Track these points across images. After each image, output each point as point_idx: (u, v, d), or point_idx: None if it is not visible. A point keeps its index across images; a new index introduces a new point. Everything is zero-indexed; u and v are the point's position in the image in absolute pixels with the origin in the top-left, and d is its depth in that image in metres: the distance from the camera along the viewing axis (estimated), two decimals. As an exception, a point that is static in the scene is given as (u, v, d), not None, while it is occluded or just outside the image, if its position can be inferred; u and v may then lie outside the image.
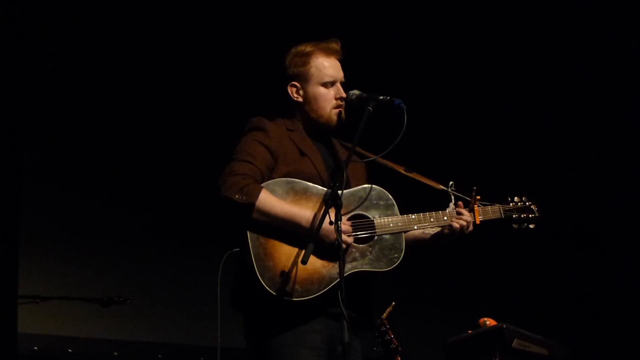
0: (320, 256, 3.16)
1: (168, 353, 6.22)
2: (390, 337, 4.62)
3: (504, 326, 4.47)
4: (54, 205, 6.05)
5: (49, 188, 6.04)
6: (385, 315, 4.63)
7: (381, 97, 3.32)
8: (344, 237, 3.14)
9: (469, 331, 4.63)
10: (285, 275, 3.11)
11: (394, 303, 4.63)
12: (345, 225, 3.19)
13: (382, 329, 4.62)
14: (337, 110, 3.42)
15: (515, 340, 4.46)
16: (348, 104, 3.44)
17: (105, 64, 6.14)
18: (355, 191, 3.33)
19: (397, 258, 3.26)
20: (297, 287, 3.11)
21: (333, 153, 3.46)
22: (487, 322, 4.60)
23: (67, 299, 5.44)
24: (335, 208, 3.08)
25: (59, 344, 5.86)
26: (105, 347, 6.02)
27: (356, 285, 3.22)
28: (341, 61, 3.50)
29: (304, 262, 2.99)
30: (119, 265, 6.13)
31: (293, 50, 3.50)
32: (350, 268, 3.20)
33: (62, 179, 6.12)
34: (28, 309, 5.21)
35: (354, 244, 3.24)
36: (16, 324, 5.02)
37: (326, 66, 3.45)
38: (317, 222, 3.10)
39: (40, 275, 5.84)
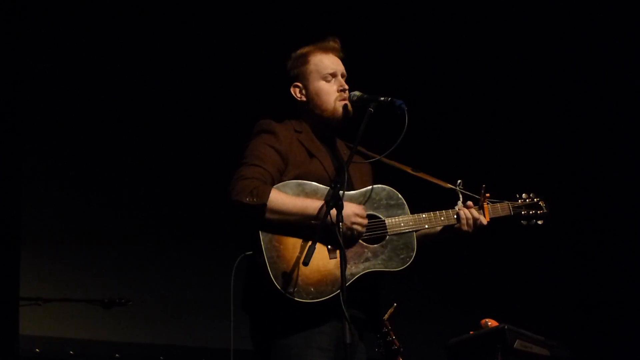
0: (332, 257, 3.16)
1: (169, 355, 6.23)
2: (392, 338, 4.62)
3: (506, 327, 4.46)
4: (55, 207, 6.05)
5: (50, 189, 6.04)
6: (386, 316, 4.62)
7: (382, 98, 3.33)
8: (361, 220, 3.16)
9: (471, 332, 4.62)
10: (299, 277, 3.10)
11: (395, 304, 4.62)
12: (354, 206, 3.19)
13: (383, 330, 4.61)
14: (342, 103, 3.42)
15: (517, 341, 4.45)
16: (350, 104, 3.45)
17: (109, 64, 6.14)
18: (365, 192, 3.33)
19: (409, 257, 3.27)
20: (310, 288, 3.11)
21: (339, 154, 3.46)
22: (489, 323, 4.60)
23: (68, 300, 5.45)
24: (336, 209, 3.08)
25: (60, 346, 5.86)
26: (106, 348, 6.02)
27: (367, 286, 3.24)
28: (343, 60, 3.52)
29: (305, 263, 2.98)
30: (120, 267, 6.13)
31: (292, 54, 3.53)
32: (363, 268, 3.21)
33: (64, 180, 6.13)
34: (30, 311, 5.22)
35: (366, 244, 3.24)
36: (18, 326, 5.03)
37: (324, 61, 3.47)
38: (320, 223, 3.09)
39: (42, 277, 5.84)
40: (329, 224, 3.07)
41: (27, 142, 5.47)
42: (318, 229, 3.07)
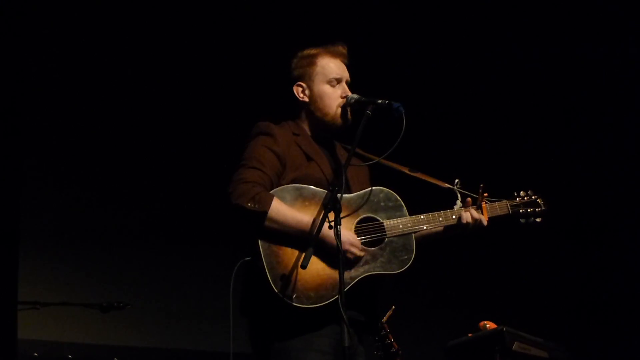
0: (331, 261, 3.15)
1: (167, 358, 6.22)
2: (391, 340, 4.62)
3: (504, 329, 4.46)
4: (54, 211, 6.04)
5: (48, 193, 6.04)
6: (385, 319, 4.63)
7: (380, 101, 3.34)
8: (354, 249, 3.16)
9: (469, 334, 4.62)
10: (299, 282, 3.10)
11: (393, 307, 4.63)
12: (350, 234, 3.19)
13: (382, 333, 4.62)
14: (342, 109, 3.43)
15: (515, 343, 4.46)
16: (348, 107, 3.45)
17: (109, 65, 6.13)
18: (363, 194, 3.34)
19: (409, 259, 3.27)
20: (310, 293, 3.11)
21: (337, 157, 3.47)
22: (487, 325, 4.60)
23: (66, 304, 5.43)
24: (334, 212, 3.08)
25: (58, 349, 5.85)
26: (105, 352, 6.01)
27: (366, 289, 3.24)
28: (348, 66, 3.53)
29: (304, 266, 2.98)
30: (119, 271, 6.13)
31: (299, 53, 3.54)
32: (362, 272, 3.21)
33: (62, 184, 6.12)
34: (28, 315, 5.20)
35: (365, 247, 3.24)
36: (16, 330, 5.01)
37: (331, 65, 3.49)
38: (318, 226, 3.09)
39: (40, 281, 5.83)
40: (326, 228, 3.08)
41: (26, 144, 5.47)
42: (316, 232, 3.07)
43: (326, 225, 3.08)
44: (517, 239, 5.81)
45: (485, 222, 3.44)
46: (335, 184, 3.18)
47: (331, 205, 3.09)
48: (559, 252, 6.76)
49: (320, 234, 3.09)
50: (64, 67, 6.06)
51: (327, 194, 3.22)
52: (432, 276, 6.32)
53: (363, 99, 3.40)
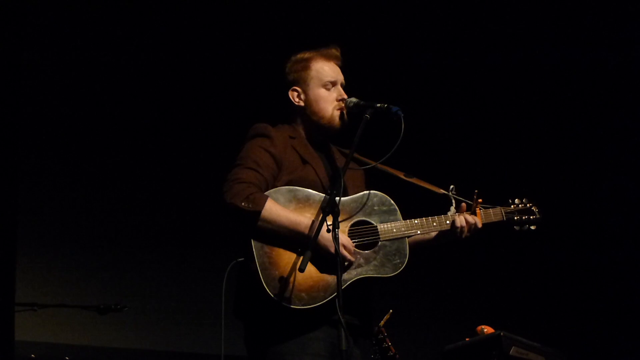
0: (325, 263, 3.14)
1: (165, 361, 6.23)
2: (388, 344, 4.62)
3: (502, 334, 4.46)
4: (52, 212, 6.05)
5: (46, 195, 6.05)
6: (382, 322, 4.63)
7: (378, 105, 3.34)
8: (346, 252, 3.16)
9: (467, 339, 4.62)
10: (291, 284, 3.09)
11: (391, 311, 4.63)
12: (344, 238, 3.19)
13: (379, 337, 4.62)
14: (339, 112, 3.44)
15: (513, 347, 4.45)
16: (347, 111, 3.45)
17: (107, 66, 6.15)
18: (357, 198, 3.33)
19: (402, 263, 3.27)
20: (303, 294, 3.11)
21: (333, 160, 3.47)
22: (485, 330, 4.60)
23: (64, 306, 5.43)
24: (332, 215, 3.08)
25: (56, 351, 5.85)
26: (102, 354, 6.01)
27: (359, 292, 3.23)
28: (342, 68, 3.53)
29: (301, 269, 2.98)
30: (116, 273, 6.13)
31: (293, 57, 3.54)
32: (355, 274, 3.21)
33: (60, 186, 6.13)
34: (25, 317, 5.20)
35: (359, 250, 3.24)
36: (13, 332, 5.01)
37: (326, 69, 3.49)
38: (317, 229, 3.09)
39: (38, 283, 5.84)
40: (324, 230, 3.08)
41: (23, 146, 5.47)
42: (314, 235, 3.07)
43: (323, 228, 3.08)
44: (514, 244, 5.81)
45: (480, 225, 3.45)
46: (334, 187, 3.17)
47: (329, 208, 3.08)
48: (556, 256, 6.77)
49: (313, 236, 3.08)
50: (63, 68, 6.07)
51: (324, 197, 3.22)
52: (429, 280, 6.32)
53: (362, 102, 3.40)
